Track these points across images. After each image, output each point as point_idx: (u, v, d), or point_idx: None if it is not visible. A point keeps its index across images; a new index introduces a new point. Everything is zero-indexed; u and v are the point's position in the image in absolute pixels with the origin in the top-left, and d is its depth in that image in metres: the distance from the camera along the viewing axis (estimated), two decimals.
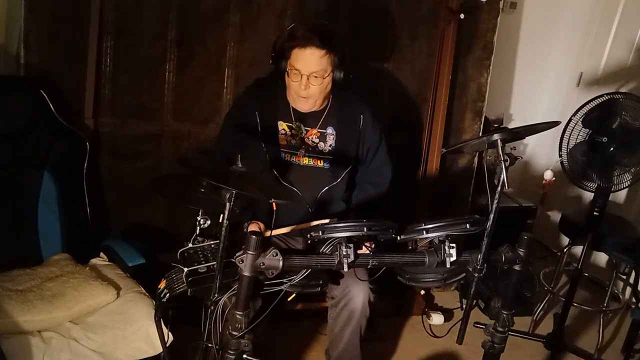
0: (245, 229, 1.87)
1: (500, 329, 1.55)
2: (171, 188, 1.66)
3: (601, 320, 2.54)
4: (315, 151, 1.96)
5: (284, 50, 1.80)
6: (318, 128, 1.95)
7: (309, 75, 1.78)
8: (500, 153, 1.36)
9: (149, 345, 1.64)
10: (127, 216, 2.32)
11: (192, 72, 2.29)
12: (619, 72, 3.18)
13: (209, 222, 1.51)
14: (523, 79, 3.49)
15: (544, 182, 2.84)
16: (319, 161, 1.96)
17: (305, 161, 1.96)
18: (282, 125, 1.94)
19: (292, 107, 1.92)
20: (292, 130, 1.94)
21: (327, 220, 1.79)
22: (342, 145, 1.96)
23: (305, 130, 1.95)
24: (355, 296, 1.80)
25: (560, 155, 2.35)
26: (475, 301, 2.57)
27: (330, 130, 1.96)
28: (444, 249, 1.38)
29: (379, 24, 2.49)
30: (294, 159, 1.95)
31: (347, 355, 1.88)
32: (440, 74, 2.51)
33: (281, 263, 1.26)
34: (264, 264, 1.24)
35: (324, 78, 1.80)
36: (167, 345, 1.58)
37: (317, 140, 1.96)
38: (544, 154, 3.60)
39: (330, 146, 1.96)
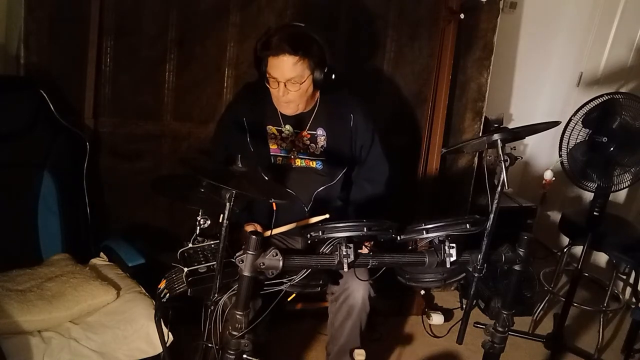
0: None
1: (500, 329, 1.55)
2: (171, 188, 1.66)
3: (601, 320, 2.54)
4: (307, 153, 1.96)
5: (261, 58, 1.80)
6: (308, 130, 1.95)
7: (286, 82, 1.78)
8: (500, 153, 1.36)
9: (149, 345, 1.63)
10: (127, 216, 2.32)
11: (192, 72, 2.29)
12: (619, 72, 3.17)
13: (209, 222, 1.51)
14: (523, 79, 3.49)
15: (544, 182, 2.84)
16: (311, 162, 1.97)
17: (298, 163, 1.96)
18: (272, 129, 1.94)
19: (280, 111, 1.92)
20: (282, 134, 1.95)
21: (325, 216, 1.79)
22: (333, 145, 1.96)
23: (296, 132, 1.95)
24: (355, 291, 1.80)
25: (560, 155, 2.35)
26: (475, 301, 2.57)
27: (320, 131, 1.96)
28: (444, 249, 1.38)
29: (379, 24, 2.50)
30: (286, 162, 1.95)
31: (347, 349, 1.88)
32: (440, 74, 2.51)
33: (281, 263, 1.26)
34: (264, 264, 1.24)
35: (300, 84, 1.79)
36: (167, 345, 1.58)
37: (308, 142, 1.96)
38: (544, 154, 3.60)
39: (322, 147, 1.96)
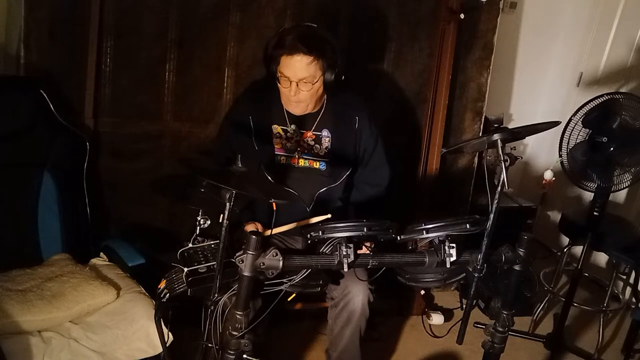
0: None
1: (500, 329, 1.55)
2: (171, 188, 1.67)
3: (601, 320, 2.54)
4: (311, 153, 1.96)
5: (273, 57, 1.80)
6: (313, 130, 1.95)
7: (298, 81, 1.78)
8: (500, 153, 1.36)
9: (149, 345, 1.63)
10: (127, 216, 2.32)
11: (192, 72, 2.29)
12: (619, 72, 3.18)
13: (209, 222, 1.51)
14: (523, 79, 3.49)
15: (544, 182, 2.85)
16: (315, 163, 1.97)
17: (302, 163, 1.96)
18: (277, 129, 1.95)
19: (286, 111, 1.92)
20: (287, 134, 1.95)
21: (326, 216, 1.79)
22: (338, 146, 1.96)
23: (301, 132, 1.95)
24: (355, 297, 1.80)
25: (560, 155, 2.35)
26: (475, 301, 2.57)
27: (325, 132, 1.96)
28: (444, 249, 1.38)
29: (379, 24, 2.49)
30: (289, 162, 1.95)
31: (347, 355, 1.88)
32: (440, 74, 2.51)
33: (281, 263, 1.26)
34: (264, 264, 1.24)
35: (313, 84, 1.79)
36: (167, 345, 1.58)
37: (312, 143, 1.96)
38: (544, 154, 3.60)
39: (326, 148, 1.96)
